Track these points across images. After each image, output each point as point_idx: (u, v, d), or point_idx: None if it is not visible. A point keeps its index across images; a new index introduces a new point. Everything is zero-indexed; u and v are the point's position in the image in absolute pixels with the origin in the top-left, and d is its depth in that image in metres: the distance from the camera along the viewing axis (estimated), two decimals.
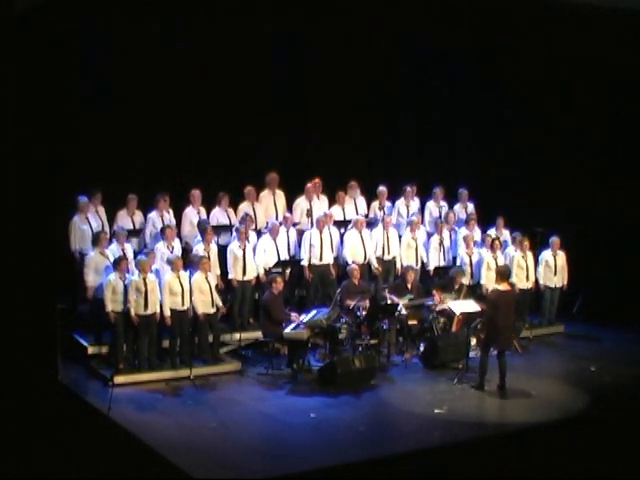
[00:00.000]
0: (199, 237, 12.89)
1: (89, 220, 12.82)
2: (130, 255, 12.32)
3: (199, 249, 12.65)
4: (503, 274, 11.80)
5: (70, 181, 12.35)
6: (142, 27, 13.07)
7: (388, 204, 14.56)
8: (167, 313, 11.87)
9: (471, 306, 12.58)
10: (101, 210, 13.16)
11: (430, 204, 15.07)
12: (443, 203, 15.06)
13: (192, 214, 13.48)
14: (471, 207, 15.24)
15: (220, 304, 12.36)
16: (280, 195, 14.22)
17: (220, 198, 13.63)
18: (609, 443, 9.73)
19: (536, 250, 14.28)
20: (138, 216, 13.33)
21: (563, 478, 9.26)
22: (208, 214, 13.55)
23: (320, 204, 14.26)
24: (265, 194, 14.12)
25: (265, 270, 13.12)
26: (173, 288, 11.89)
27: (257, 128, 14.43)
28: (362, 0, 13.51)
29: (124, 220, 13.18)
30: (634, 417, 10.63)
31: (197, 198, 13.48)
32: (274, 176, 14.09)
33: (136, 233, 13.19)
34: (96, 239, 12.18)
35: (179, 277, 11.90)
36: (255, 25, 13.61)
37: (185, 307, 11.96)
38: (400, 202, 14.84)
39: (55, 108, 10.90)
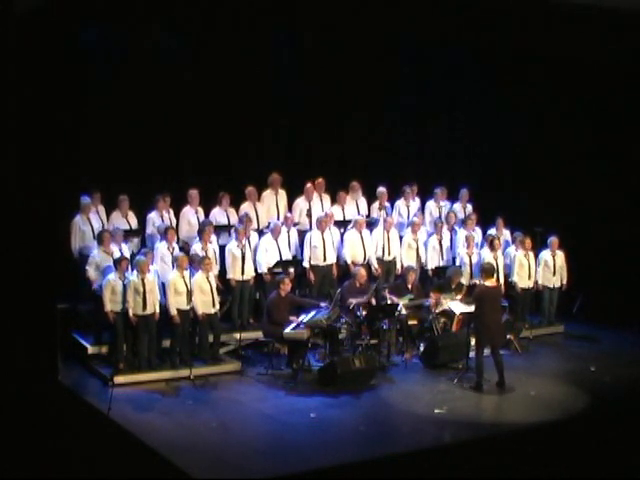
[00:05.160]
0: (198, 237, 12.89)
1: (90, 220, 12.83)
2: (127, 255, 12.29)
3: (197, 249, 12.66)
4: (488, 271, 11.89)
5: (71, 181, 12.34)
6: (142, 28, 13.07)
7: (388, 205, 14.55)
8: (173, 312, 11.86)
9: (471, 306, 12.57)
10: (101, 210, 13.15)
11: (430, 204, 15.07)
12: (443, 203, 15.04)
13: (190, 214, 13.49)
14: (470, 207, 15.25)
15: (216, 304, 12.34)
16: (282, 195, 14.24)
17: (221, 198, 13.64)
18: (609, 443, 9.73)
19: (536, 250, 14.29)
20: (131, 217, 13.31)
21: (563, 478, 9.26)
22: (207, 214, 13.56)
23: (322, 204, 14.26)
24: (267, 194, 14.14)
25: (268, 270, 13.13)
26: (178, 288, 11.87)
27: (257, 128, 14.44)
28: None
29: (119, 221, 13.14)
30: (634, 417, 10.63)
31: (195, 198, 13.48)
32: (276, 176, 14.11)
33: (136, 233, 13.19)
34: (100, 238, 12.18)
35: (184, 277, 11.88)
36: (254, 24, 13.59)
37: (189, 307, 11.97)
38: (400, 202, 14.85)
39: (55, 107, 10.88)
